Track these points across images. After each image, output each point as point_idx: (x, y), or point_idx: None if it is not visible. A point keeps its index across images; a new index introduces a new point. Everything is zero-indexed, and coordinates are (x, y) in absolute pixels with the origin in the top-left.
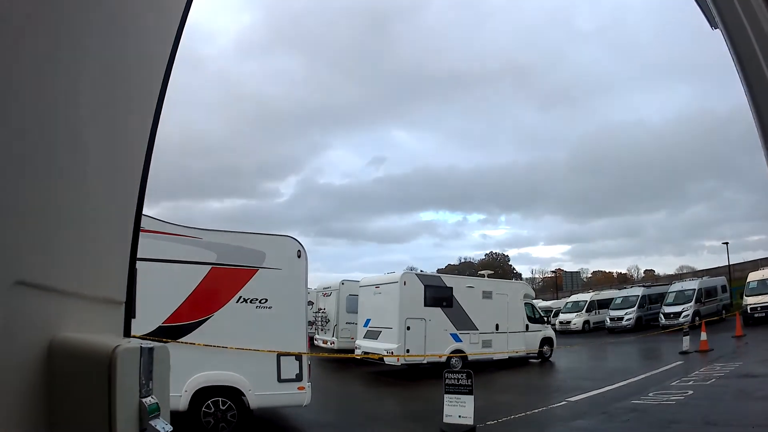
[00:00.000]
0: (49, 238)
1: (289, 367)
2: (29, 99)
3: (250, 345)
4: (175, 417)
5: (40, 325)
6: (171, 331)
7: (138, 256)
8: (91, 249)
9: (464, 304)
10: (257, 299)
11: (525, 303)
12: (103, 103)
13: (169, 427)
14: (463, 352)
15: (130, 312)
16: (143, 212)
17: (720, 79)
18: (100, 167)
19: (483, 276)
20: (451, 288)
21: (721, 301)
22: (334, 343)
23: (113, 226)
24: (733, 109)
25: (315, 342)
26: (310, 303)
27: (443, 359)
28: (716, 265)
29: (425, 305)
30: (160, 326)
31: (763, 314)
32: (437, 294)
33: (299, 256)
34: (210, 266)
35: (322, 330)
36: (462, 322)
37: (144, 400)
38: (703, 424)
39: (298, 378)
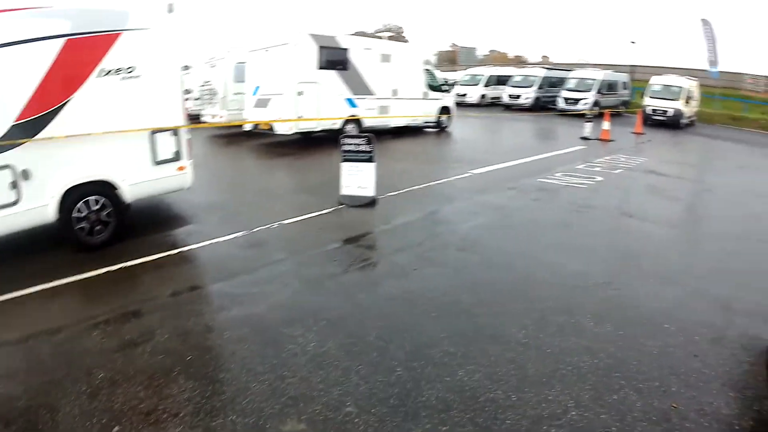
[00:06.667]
0: None
1: (166, 145)
2: None
3: (119, 125)
4: (46, 231)
5: None
6: (27, 128)
7: None
8: None
9: (361, 68)
10: (122, 69)
11: (425, 69)
12: None
13: None
14: (359, 118)
15: None
16: None
17: None
18: None
19: (382, 39)
20: (348, 49)
21: (622, 96)
22: (223, 116)
23: None
24: None
25: (203, 118)
26: (186, 68)
27: (338, 126)
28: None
29: (319, 68)
30: (12, 125)
31: (663, 118)
32: (332, 56)
33: (170, 11)
34: (64, 39)
35: (209, 104)
36: (358, 86)
37: None
38: (620, 214)
39: (177, 157)
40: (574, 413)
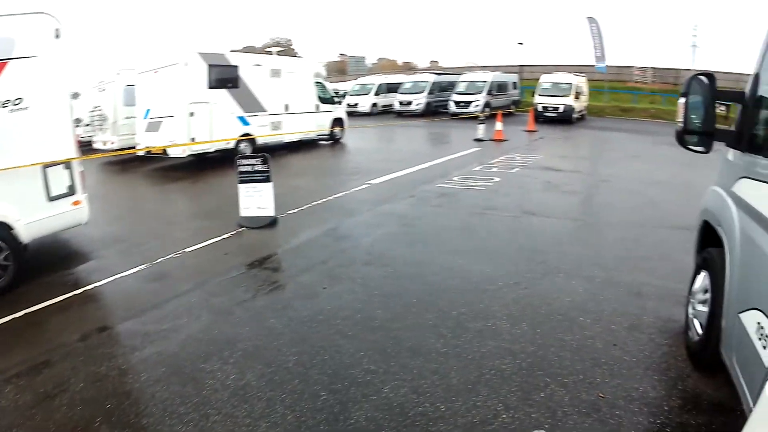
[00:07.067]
0: None
1: (59, 180)
2: None
3: (9, 162)
4: None
5: None
6: None
7: None
8: None
9: (251, 85)
10: (9, 101)
11: (316, 82)
12: None
13: None
14: (253, 137)
15: None
16: None
17: None
18: None
19: (271, 53)
20: (237, 67)
21: (512, 96)
22: (114, 142)
23: None
24: None
25: (94, 146)
26: (75, 95)
27: (232, 145)
28: (504, 64)
29: (210, 87)
30: None
31: (554, 114)
32: (222, 74)
33: (57, 36)
34: None
35: (100, 130)
36: (250, 103)
37: None
38: (521, 213)
39: (71, 191)
40: (504, 416)
